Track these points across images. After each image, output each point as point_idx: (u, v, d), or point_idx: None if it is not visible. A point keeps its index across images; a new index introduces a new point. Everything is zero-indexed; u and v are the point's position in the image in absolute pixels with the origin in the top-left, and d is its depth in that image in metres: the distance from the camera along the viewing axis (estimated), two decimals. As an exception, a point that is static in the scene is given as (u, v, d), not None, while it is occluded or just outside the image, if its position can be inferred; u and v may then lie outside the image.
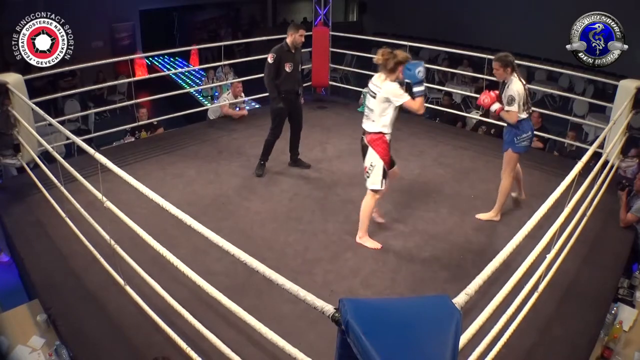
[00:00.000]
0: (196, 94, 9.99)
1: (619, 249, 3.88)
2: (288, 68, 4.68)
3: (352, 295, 3.20)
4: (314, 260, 3.63)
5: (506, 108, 3.77)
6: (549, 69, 8.56)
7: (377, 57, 3.45)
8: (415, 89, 3.40)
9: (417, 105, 3.42)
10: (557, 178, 4.62)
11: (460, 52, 7.54)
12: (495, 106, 3.82)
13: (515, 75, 3.76)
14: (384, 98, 3.42)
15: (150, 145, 5.70)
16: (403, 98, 3.41)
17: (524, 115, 3.79)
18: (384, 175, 3.57)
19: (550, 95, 9.82)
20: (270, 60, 4.62)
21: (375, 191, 3.62)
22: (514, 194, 4.37)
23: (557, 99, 10.06)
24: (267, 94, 7.39)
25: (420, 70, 3.37)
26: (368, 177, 3.59)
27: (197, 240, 3.00)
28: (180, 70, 11.64)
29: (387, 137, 3.53)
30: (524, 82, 3.77)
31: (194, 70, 11.60)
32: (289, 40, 4.69)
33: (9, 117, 4.53)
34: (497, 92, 3.90)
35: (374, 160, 3.55)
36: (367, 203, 3.69)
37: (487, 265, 1.88)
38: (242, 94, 6.63)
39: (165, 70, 11.96)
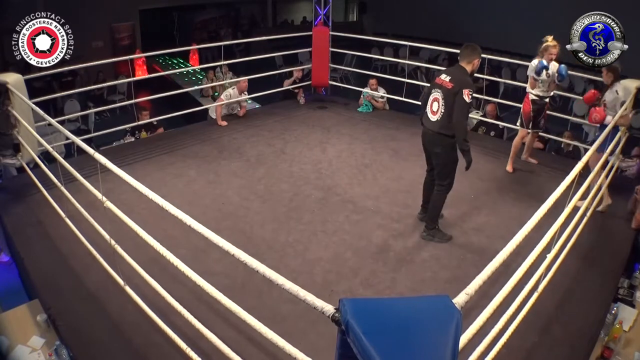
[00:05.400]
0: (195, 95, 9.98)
1: (619, 249, 3.88)
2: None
3: (352, 295, 3.21)
4: (314, 260, 3.63)
5: (620, 112, 3.99)
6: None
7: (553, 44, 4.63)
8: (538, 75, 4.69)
9: (530, 82, 4.84)
10: (557, 178, 4.66)
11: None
12: (609, 119, 4.05)
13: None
14: (529, 70, 4.76)
15: (150, 145, 5.71)
16: (530, 72, 4.76)
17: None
18: (522, 120, 5.01)
19: (551, 96, 9.80)
20: (468, 99, 3.47)
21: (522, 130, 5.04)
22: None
23: (557, 99, 9.99)
24: (263, 93, 7.39)
25: (558, 72, 4.66)
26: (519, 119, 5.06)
27: (197, 240, 3.01)
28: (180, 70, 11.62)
29: (530, 96, 4.88)
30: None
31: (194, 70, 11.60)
32: (469, 67, 3.61)
33: (9, 117, 4.52)
34: (598, 96, 4.35)
35: (521, 110, 4.99)
36: (516, 138, 5.11)
37: (487, 265, 1.88)
38: (246, 92, 6.63)
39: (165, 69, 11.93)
